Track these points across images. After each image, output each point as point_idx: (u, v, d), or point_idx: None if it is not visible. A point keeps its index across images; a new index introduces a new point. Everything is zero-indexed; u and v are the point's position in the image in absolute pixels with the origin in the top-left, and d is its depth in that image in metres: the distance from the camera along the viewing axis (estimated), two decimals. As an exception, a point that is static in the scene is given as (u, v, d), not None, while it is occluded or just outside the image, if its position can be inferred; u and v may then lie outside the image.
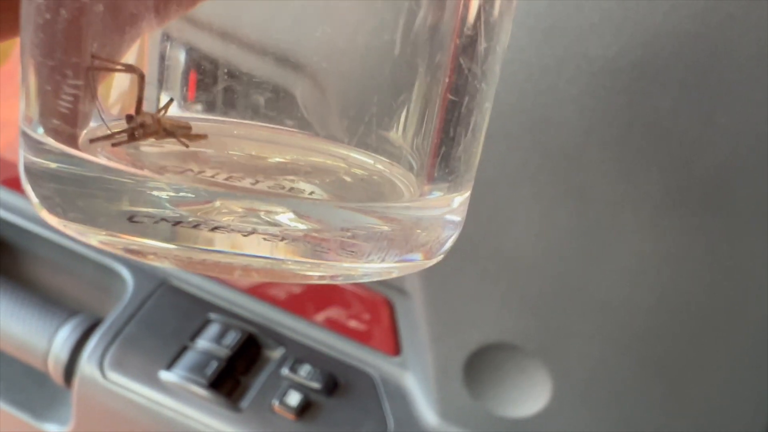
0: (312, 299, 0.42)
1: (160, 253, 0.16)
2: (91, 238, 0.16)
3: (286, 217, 0.16)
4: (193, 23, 0.17)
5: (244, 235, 0.16)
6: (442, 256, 0.19)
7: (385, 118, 0.18)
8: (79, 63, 0.16)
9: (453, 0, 0.17)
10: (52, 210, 0.16)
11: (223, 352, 0.40)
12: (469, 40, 0.17)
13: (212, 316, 0.42)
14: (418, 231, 0.18)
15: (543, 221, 0.30)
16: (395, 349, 0.40)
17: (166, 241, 0.15)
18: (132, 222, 0.15)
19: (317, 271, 0.17)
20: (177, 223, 0.15)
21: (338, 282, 0.17)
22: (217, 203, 0.16)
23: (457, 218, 0.19)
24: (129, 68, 0.17)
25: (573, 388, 0.35)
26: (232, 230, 0.15)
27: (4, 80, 0.42)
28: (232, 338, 0.41)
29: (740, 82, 0.26)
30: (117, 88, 0.18)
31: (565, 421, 0.35)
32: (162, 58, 0.18)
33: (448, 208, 0.18)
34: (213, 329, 0.41)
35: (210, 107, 0.18)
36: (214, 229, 0.15)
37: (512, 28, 0.27)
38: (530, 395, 0.36)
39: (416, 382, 0.40)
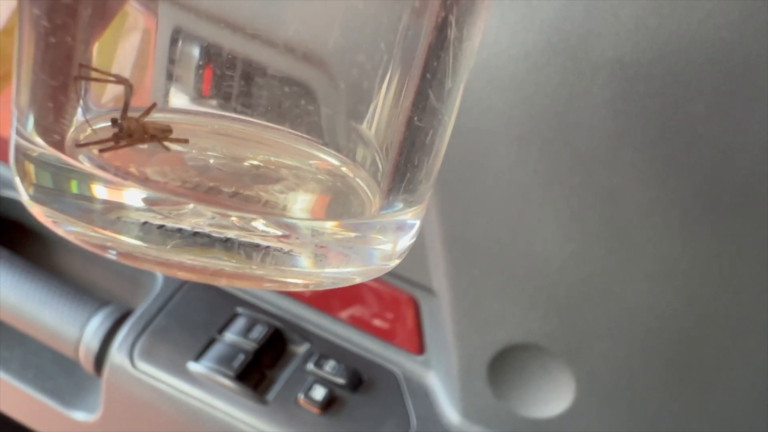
0: (337, 296, 0.43)
1: (135, 251, 0.16)
2: (71, 234, 0.17)
3: (258, 224, 0.17)
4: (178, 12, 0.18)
5: (223, 241, 0.16)
6: (401, 259, 0.20)
7: (356, 115, 0.19)
8: (69, 72, 0.17)
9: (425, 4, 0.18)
10: (39, 202, 0.17)
11: (250, 345, 0.41)
12: (436, 71, 0.18)
13: (239, 310, 0.43)
14: (380, 237, 0.19)
15: (572, 223, 0.31)
16: (419, 347, 0.41)
17: (144, 241, 0.16)
18: (115, 220, 0.16)
19: (291, 278, 0.17)
20: (160, 226, 0.16)
21: (309, 289, 0.18)
22: (191, 205, 0.16)
23: (416, 222, 0.20)
24: (119, 79, 0.18)
25: (597, 390, 0.35)
26: (211, 235, 0.16)
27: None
28: (258, 332, 0.42)
29: (774, 91, 0.26)
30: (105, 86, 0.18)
31: (588, 422, 0.36)
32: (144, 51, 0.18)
33: (408, 216, 0.19)
34: (240, 323, 0.42)
35: (188, 99, 0.19)
36: (195, 234, 0.16)
37: (548, 33, 0.28)
38: (554, 396, 0.36)
39: (439, 381, 0.40)
